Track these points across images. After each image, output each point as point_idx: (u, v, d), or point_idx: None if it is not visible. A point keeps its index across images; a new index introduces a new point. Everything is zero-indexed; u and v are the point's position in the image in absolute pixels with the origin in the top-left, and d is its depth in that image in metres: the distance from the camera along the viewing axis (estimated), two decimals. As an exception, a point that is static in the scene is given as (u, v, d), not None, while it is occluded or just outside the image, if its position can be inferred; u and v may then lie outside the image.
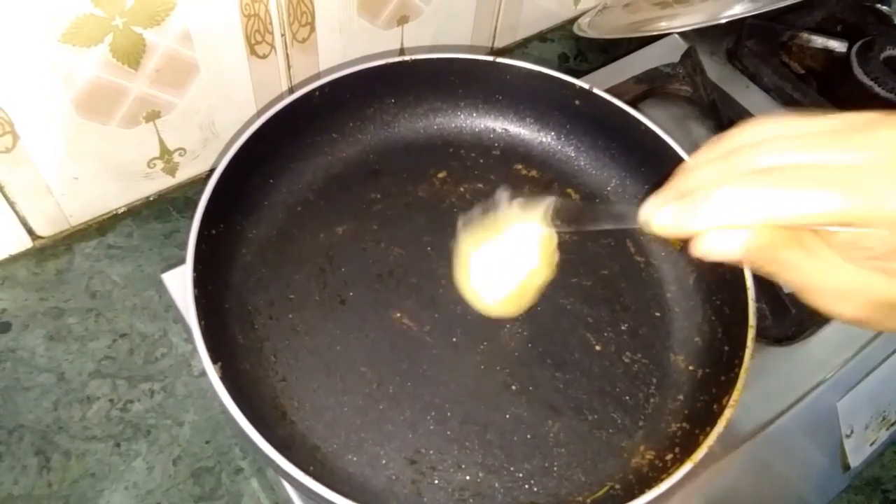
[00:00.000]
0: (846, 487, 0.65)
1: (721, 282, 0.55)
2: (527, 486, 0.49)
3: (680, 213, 0.31)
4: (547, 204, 0.45)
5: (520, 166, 0.64)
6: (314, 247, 0.58)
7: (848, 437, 0.59)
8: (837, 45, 0.79)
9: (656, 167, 0.61)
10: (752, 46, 0.78)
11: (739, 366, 0.48)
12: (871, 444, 0.62)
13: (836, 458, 0.60)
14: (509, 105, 0.65)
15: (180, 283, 0.55)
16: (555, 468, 0.49)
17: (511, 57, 0.62)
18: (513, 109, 0.65)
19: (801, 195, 0.28)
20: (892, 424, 0.63)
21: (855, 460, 0.60)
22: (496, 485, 0.48)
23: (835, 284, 0.30)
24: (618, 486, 0.48)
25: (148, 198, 0.67)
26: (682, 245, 0.59)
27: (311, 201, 0.60)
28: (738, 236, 0.30)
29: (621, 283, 0.58)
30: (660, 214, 0.32)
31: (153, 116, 0.60)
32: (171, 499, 0.53)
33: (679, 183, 0.32)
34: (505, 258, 0.49)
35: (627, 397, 0.53)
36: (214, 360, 0.45)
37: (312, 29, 0.64)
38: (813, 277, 0.30)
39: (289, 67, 0.65)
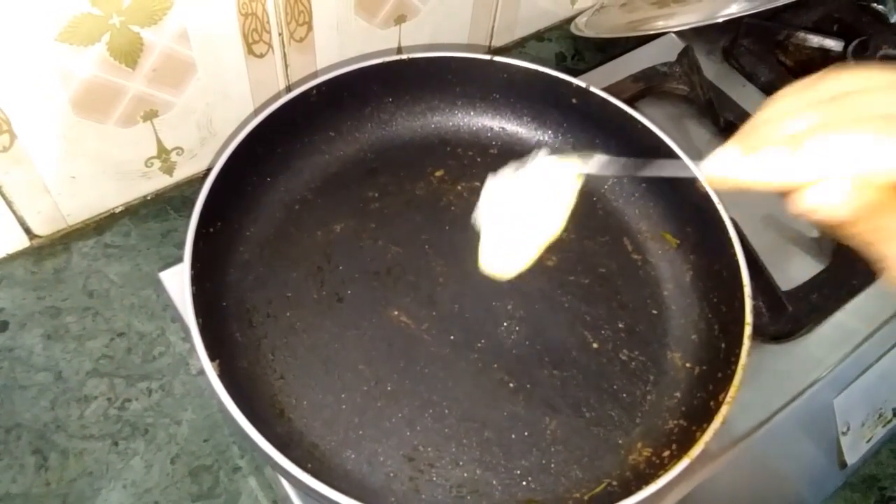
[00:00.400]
0: (843, 485, 0.65)
1: (718, 279, 0.55)
2: (524, 483, 0.49)
3: (778, 162, 0.27)
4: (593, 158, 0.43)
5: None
6: (312, 245, 0.58)
7: (844, 434, 0.60)
8: (833, 45, 0.79)
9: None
10: (748, 45, 0.78)
11: (736, 363, 0.48)
12: (868, 442, 0.62)
13: (832, 455, 0.60)
14: (506, 104, 0.65)
15: (178, 281, 0.55)
16: (552, 465, 0.50)
17: (508, 56, 0.62)
18: (510, 108, 0.65)
19: None
20: (889, 422, 0.63)
21: (851, 457, 0.60)
22: (494, 482, 0.49)
23: None
24: (615, 483, 0.49)
25: (145, 197, 0.67)
26: (679, 242, 0.60)
27: (308, 200, 0.60)
28: (844, 191, 0.26)
29: (618, 281, 0.59)
30: (749, 165, 0.28)
31: (151, 115, 0.60)
32: (169, 497, 0.53)
33: (760, 132, 0.28)
34: (525, 210, 0.48)
35: (624, 394, 0.53)
36: (212, 358, 0.45)
37: (310, 28, 0.64)
38: None
39: (286, 66, 0.65)
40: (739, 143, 0.29)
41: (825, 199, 0.27)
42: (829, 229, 0.29)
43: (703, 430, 0.46)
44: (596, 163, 0.43)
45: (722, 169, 0.29)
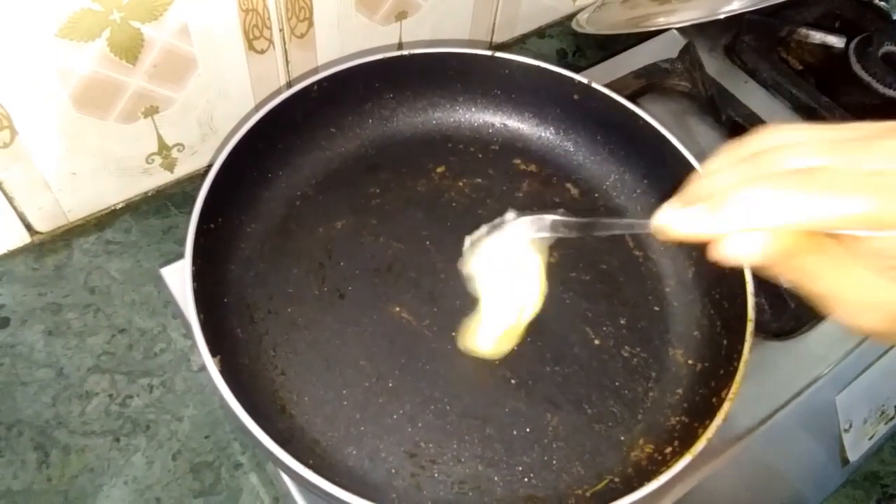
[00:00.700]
0: (845, 482, 0.65)
1: (720, 276, 0.55)
2: (526, 480, 0.49)
3: (700, 217, 0.30)
4: (548, 221, 0.46)
5: (518, 161, 0.64)
6: (313, 241, 0.58)
7: (846, 431, 0.60)
8: (835, 41, 0.79)
9: (655, 162, 0.61)
10: (750, 42, 0.78)
11: (738, 359, 0.48)
12: (870, 439, 0.62)
13: (834, 452, 0.60)
14: (508, 100, 0.65)
15: (179, 277, 0.55)
16: (554, 462, 0.49)
17: (509, 53, 0.62)
18: (511, 104, 0.65)
19: (829, 197, 0.27)
20: (891, 419, 0.63)
21: (853, 454, 0.60)
22: (495, 478, 0.49)
23: (857, 296, 0.30)
24: (617, 480, 0.49)
25: (146, 193, 0.67)
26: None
27: (309, 196, 0.60)
28: (761, 240, 0.29)
29: (620, 278, 0.58)
30: (677, 219, 0.31)
31: (151, 112, 0.60)
32: (171, 493, 0.53)
33: (695, 188, 0.32)
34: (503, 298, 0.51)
35: (626, 391, 0.53)
36: (214, 354, 0.45)
37: (311, 24, 0.64)
38: (835, 288, 0.30)
39: (287, 63, 0.65)
40: (679, 200, 0.33)
41: (736, 251, 0.30)
42: (757, 271, 0.31)
43: (706, 427, 0.45)
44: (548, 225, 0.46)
45: (665, 223, 0.33)
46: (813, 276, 0.30)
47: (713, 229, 0.30)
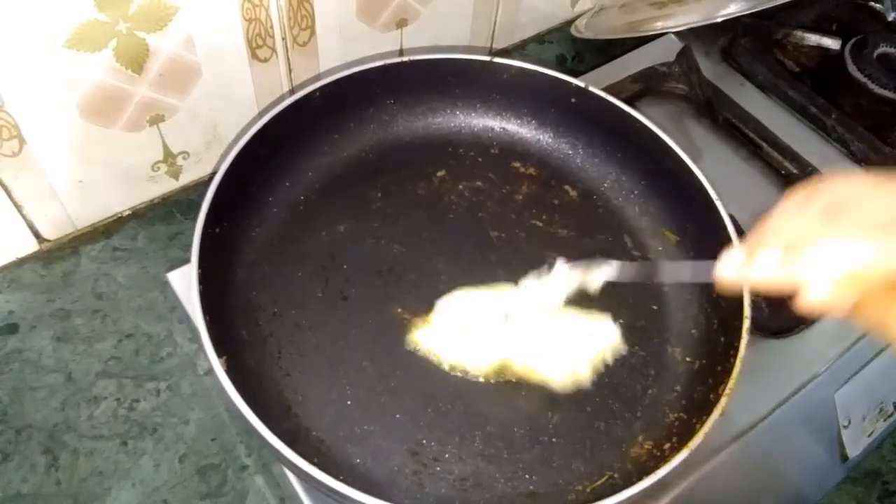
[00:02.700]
0: (846, 479, 0.66)
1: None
2: (527, 476, 0.49)
3: (776, 265, 0.31)
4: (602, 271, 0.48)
5: (517, 164, 0.65)
6: (316, 244, 0.59)
7: (845, 427, 0.60)
8: (831, 43, 0.80)
9: (652, 164, 0.62)
10: (746, 45, 0.79)
11: (735, 355, 0.49)
12: (869, 435, 0.62)
13: (833, 449, 0.60)
14: (506, 104, 0.65)
15: (185, 282, 0.56)
16: (554, 458, 0.50)
17: (509, 59, 0.63)
18: (510, 108, 0.66)
19: None
20: (890, 416, 0.63)
21: (853, 451, 0.61)
22: (496, 475, 0.49)
23: None
24: (616, 476, 0.49)
25: (152, 201, 0.67)
26: (679, 239, 0.60)
27: (312, 200, 0.61)
28: (848, 289, 0.30)
29: (619, 278, 0.59)
30: (762, 264, 0.32)
31: (157, 120, 0.61)
32: (178, 496, 0.54)
33: (762, 237, 0.32)
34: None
35: (625, 389, 0.54)
36: (220, 355, 0.46)
37: (313, 32, 0.65)
38: None
39: (290, 70, 0.66)
40: (745, 248, 0.33)
41: (824, 298, 0.31)
42: (838, 318, 0.33)
43: (703, 422, 0.46)
44: (611, 270, 0.48)
45: (731, 271, 0.34)
46: (889, 322, 0.31)
47: (792, 277, 0.31)
